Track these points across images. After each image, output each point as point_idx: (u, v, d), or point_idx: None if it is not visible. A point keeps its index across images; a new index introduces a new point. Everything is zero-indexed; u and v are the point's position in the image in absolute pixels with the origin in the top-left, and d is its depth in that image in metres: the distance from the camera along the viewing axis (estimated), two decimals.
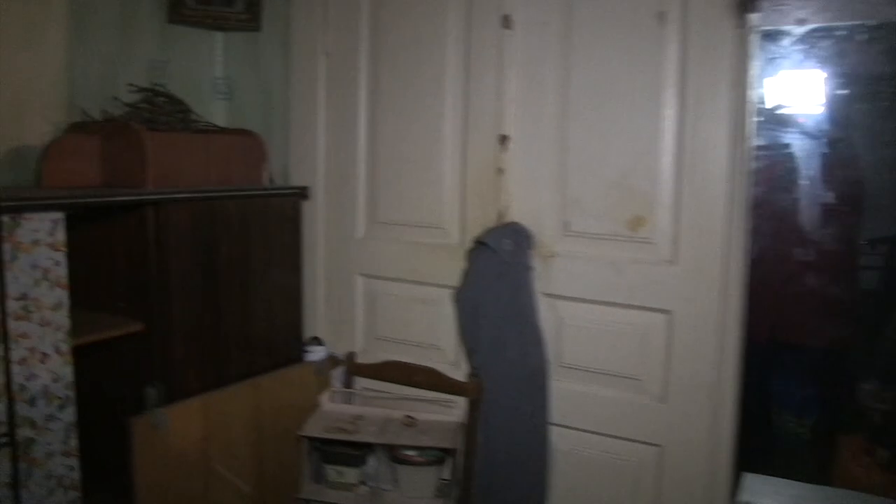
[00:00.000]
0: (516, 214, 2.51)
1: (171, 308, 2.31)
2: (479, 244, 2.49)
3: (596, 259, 2.42)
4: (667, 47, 2.27)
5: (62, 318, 2.05)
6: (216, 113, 2.95)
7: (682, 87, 2.25)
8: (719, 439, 2.30)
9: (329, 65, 2.81)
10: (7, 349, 1.95)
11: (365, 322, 2.85)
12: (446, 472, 2.56)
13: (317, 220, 2.87)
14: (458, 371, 2.63)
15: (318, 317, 2.90)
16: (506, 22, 2.47)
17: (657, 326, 2.36)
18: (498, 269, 2.46)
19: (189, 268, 2.35)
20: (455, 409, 2.60)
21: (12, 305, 1.95)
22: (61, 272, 2.05)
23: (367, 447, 2.52)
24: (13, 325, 1.96)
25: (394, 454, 2.52)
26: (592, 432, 2.48)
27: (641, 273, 2.36)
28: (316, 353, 2.78)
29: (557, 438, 2.50)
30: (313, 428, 2.51)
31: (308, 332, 2.87)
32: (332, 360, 2.78)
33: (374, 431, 2.51)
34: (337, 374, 2.77)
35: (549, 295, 2.49)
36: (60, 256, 2.04)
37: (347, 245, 2.84)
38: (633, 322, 2.40)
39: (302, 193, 2.77)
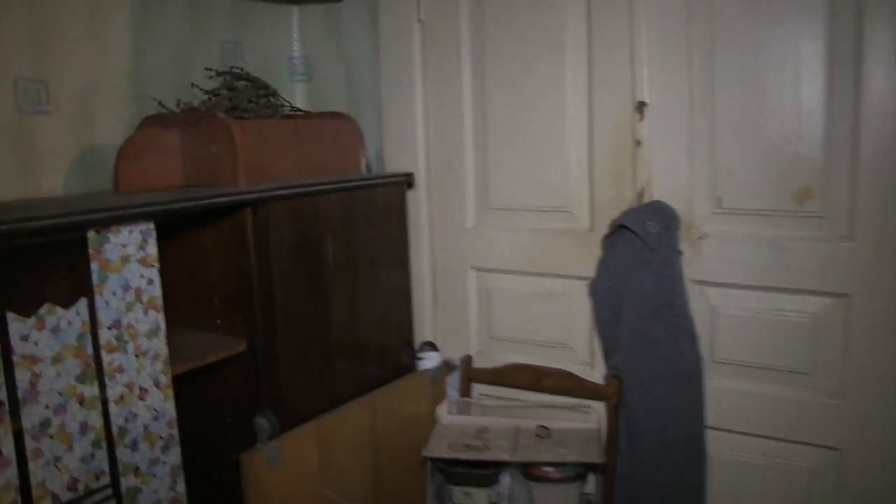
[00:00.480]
0: (658, 192, 2.12)
1: (276, 321, 1.93)
2: (619, 228, 2.12)
3: (754, 238, 2.03)
4: None
5: (160, 345, 1.70)
6: (294, 96, 2.56)
7: (857, 32, 1.86)
8: None
9: (424, 34, 2.41)
10: (103, 387, 1.62)
11: (480, 322, 2.47)
12: (588, 488, 2.23)
13: (420, 210, 2.48)
14: (593, 372, 2.27)
15: (426, 318, 2.52)
16: None
17: (831, 312, 1.97)
18: (641, 255, 2.08)
19: (293, 273, 1.98)
20: (591, 416, 2.25)
21: (105, 336, 1.60)
22: (155, 292, 1.69)
23: (498, 464, 2.19)
24: (107, 359, 1.61)
25: (528, 471, 2.17)
26: (755, 435, 2.10)
27: (810, 252, 1.97)
28: (430, 360, 2.40)
29: (713, 444, 2.12)
30: (437, 447, 2.16)
31: (419, 337, 2.51)
32: (447, 367, 2.44)
33: (505, 447, 2.15)
34: (451, 381, 2.43)
35: (700, 282, 2.10)
36: (153, 273, 1.68)
37: (456, 236, 2.46)
38: (801, 309, 2.01)
39: (407, 181, 2.38)
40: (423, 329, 2.51)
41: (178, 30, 2.25)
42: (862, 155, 1.88)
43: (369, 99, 2.50)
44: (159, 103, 2.06)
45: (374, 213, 2.24)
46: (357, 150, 2.31)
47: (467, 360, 2.39)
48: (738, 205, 2.04)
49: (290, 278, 1.96)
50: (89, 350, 1.58)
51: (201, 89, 2.13)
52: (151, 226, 1.67)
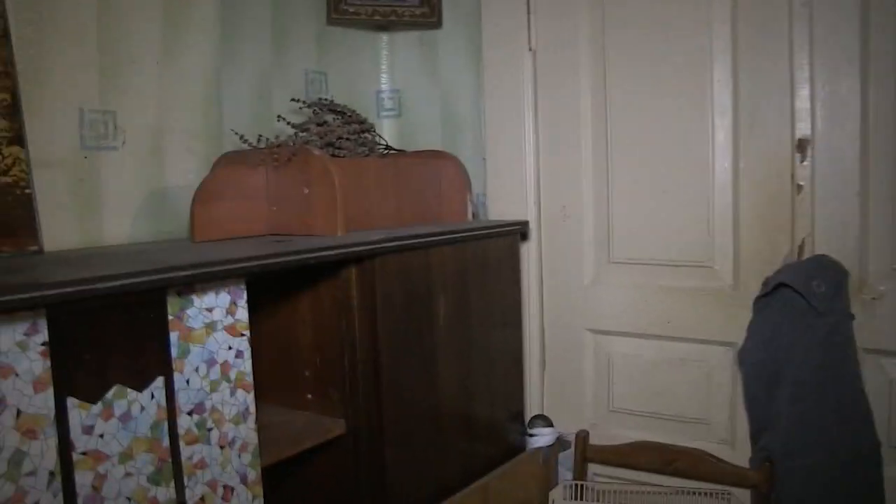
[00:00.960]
0: (822, 245, 1.74)
1: (382, 396, 1.54)
2: (776, 286, 1.76)
3: None
4: None
5: (249, 432, 1.35)
6: (382, 133, 2.18)
7: None
8: None
9: (537, 65, 2.06)
10: (181, 488, 1.27)
11: (597, 392, 2.07)
12: None
13: (530, 264, 2.11)
14: (734, 453, 1.87)
15: (534, 387, 2.14)
16: None
17: None
18: (805, 319, 1.69)
19: (401, 339, 1.60)
20: None
21: (184, 423, 1.27)
22: (245, 367, 1.33)
23: None
24: (186, 452, 1.27)
25: None
26: None
27: None
28: (543, 437, 2.03)
29: None
30: None
31: (528, 409, 2.12)
32: (560, 444, 2.06)
33: None
34: (564, 460, 2.05)
35: (875, 350, 1.70)
36: (243, 344, 1.32)
37: (571, 293, 2.08)
38: None
39: (521, 230, 2.01)
40: (532, 400, 2.13)
41: (259, 58, 1.92)
42: None
43: (469, 137, 2.14)
44: (241, 138, 1.73)
45: (488, 268, 1.86)
46: (463, 195, 1.95)
47: (583, 437, 2.01)
48: None
49: (397, 345, 1.58)
50: (165, 442, 1.23)
51: (288, 122, 1.80)
52: (243, 286, 1.33)
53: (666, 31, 1.89)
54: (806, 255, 1.75)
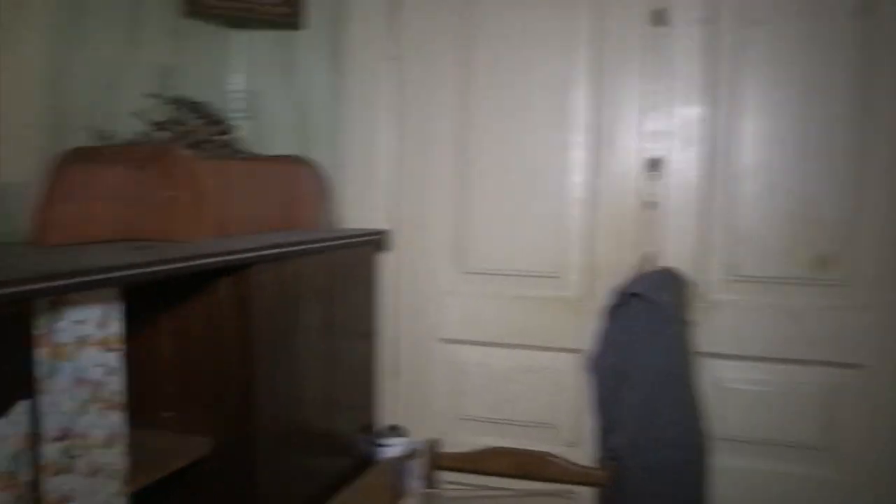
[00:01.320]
0: (669, 258, 1.86)
1: (254, 413, 1.44)
2: (626, 295, 1.85)
3: (770, 308, 1.83)
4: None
5: (118, 457, 1.22)
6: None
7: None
8: None
9: (400, 74, 2.03)
10: None
11: (448, 400, 2.07)
12: None
13: (388, 273, 2.06)
14: (579, 453, 1.93)
15: (389, 398, 2.09)
16: (657, 18, 1.83)
17: (847, 384, 1.81)
18: (653, 326, 1.80)
19: (273, 352, 1.51)
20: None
21: (50, 452, 1.11)
22: (116, 385, 1.21)
23: None
24: (51, 485, 1.12)
25: None
26: None
27: (828, 322, 1.80)
28: (394, 447, 1.99)
29: None
30: None
31: (383, 420, 2.08)
32: (412, 453, 2.03)
33: None
34: (413, 469, 2.03)
35: (711, 354, 1.86)
36: (116, 359, 1.20)
37: (426, 303, 2.07)
38: (816, 380, 1.83)
39: (380, 239, 1.97)
40: (387, 411, 2.08)
41: (109, 48, 1.73)
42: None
43: (327, 143, 2.06)
44: (98, 132, 1.54)
45: (348, 277, 1.81)
46: (320, 202, 1.88)
47: (433, 445, 2.00)
48: (754, 272, 1.83)
49: (269, 358, 1.49)
50: (26, 475, 1.08)
51: (148, 120, 1.64)
52: (117, 296, 1.19)
53: (531, 49, 1.94)
54: (654, 268, 1.87)
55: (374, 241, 1.94)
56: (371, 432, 1.99)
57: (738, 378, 1.87)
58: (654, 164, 1.86)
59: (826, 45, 1.74)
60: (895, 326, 1.76)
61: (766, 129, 1.80)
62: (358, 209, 2.06)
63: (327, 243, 1.68)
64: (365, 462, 1.94)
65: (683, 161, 1.84)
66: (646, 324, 1.82)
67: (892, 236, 1.74)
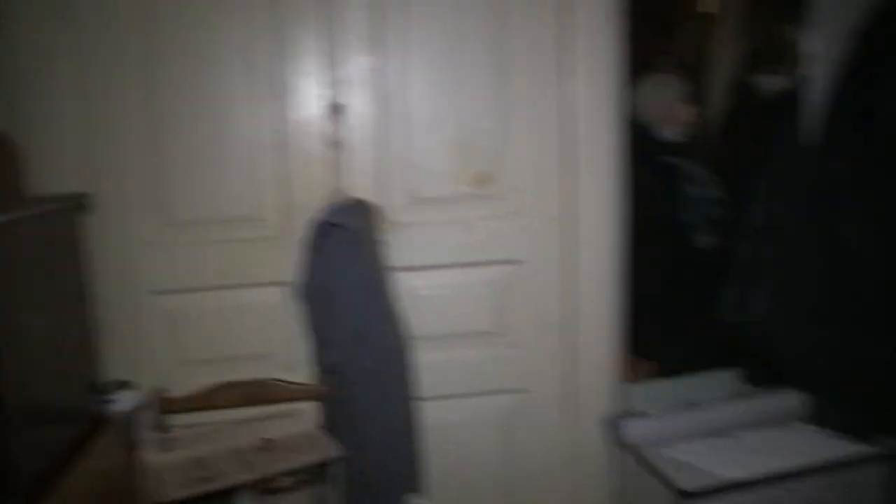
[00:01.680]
0: (358, 189, 2.10)
1: None
2: (324, 225, 2.04)
3: (445, 222, 2.17)
4: None
5: None
6: None
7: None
8: (578, 370, 2.29)
9: (77, 29, 1.96)
10: None
11: (169, 348, 2.14)
12: (321, 487, 2.11)
13: (88, 234, 2.00)
14: (298, 375, 2.14)
15: (108, 356, 2.06)
16: None
17: (511, 277, 2.23)
18: (350, 249, 2.04)
19: None
20: (305, 417, 2.13)
21: None
22: None
23: (231, 493, 1.95)
24: None
25: (263, 486, 1.99)
26: (460, 395, 2.27)
27: (491, 228, 2.19)
28: (122, 401, 2.00)
29: (428, 413, 2.18)
30: (163, 491, 1.85)
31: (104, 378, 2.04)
32: (141, 404, 2.06)
33: (235, 469, 1.93)
34: (144, 419, 2.07)
35: (401, 268, 2.15)
36: None
37: (134, 258, 2.08)
38: (488, 278, 2.22)
39: (79, 203, 1.91)
40: (109, 367, 2.06)
41: None
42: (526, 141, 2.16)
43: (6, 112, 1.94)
44: None
45: (52, 244, 1.77)
46: (11, 171, 1.80)
47: (160, 392, 2.06)
48: (429, 194, 2.15)
49: None
50: None
51: None
52: None
53: (215, 10, 2.02)
54: (345, 199, 2.09)
55: (74, 205, 1.91)
56: (97, 391, 2.00)
57: (426, 285, 2.20)
58: (336, 109, 2.08)
59: (473, 3, 2.09)
60: (541, 227, 2.20)
61: (431, 74, 2.11)
62: (51, 175, 1.99)
63: (24, 213, 1.65)
64: (96, 422, 1.95)
65: (361, 105, 2.08)
66: (343, 248, 2.05)
67: (531, 157, 2.16)
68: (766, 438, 2.37)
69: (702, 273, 2.73)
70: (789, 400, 2.45)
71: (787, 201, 2.31)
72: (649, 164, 2.85)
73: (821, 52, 2.25)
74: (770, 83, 2.84)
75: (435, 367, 2.20)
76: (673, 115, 2.90)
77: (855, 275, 2.17)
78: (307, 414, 2.13)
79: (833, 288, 2.20)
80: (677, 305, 2.75)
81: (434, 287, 2.20)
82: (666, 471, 2.14)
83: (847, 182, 2.15)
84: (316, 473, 2.06)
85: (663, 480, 2.13)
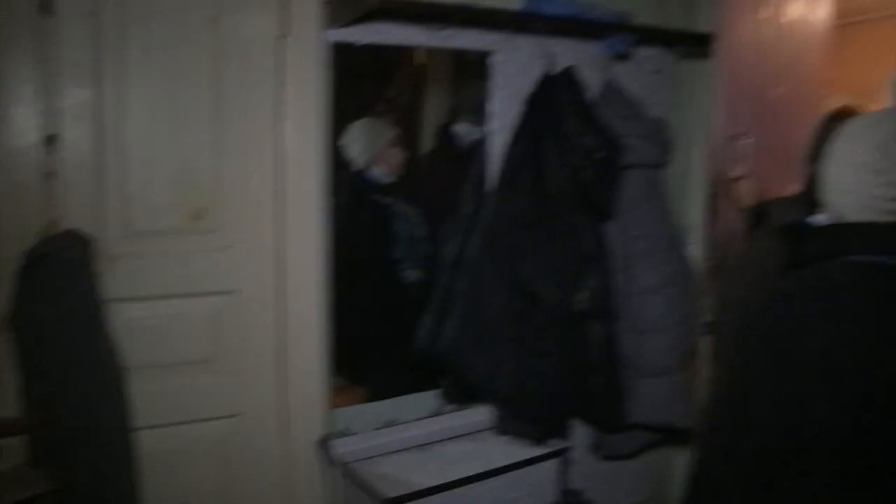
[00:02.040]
0: (73, 221, 2.10)
1: None
2: (36, 256, 2.01)
3: (161, 255, 2.24)
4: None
5: None
6: None
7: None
8: (292, 394, 2.45)
9: None
10: None
11: None
12: None
13: None
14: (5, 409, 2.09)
15: None
16: (44, 8, 2.03)
17: (226, 307, 2.34)
18: (62, 279, 2.03)
19: None
20: (11, 453, 2.08)
21: None
22: None
23: None
24: None
25: None
26: (177, 423, 2.31)
27: (207, 261, 2.30)
28: None
29: (145, 442, 2.18)
30: None
31: None
32: None
33: None
34: None
35: (118, 299, 2.17)
36: None
37: None
38: (204, 307, 2.32)
39: None
40: None
41: None
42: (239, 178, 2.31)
43: None
44: None
45: None
46: None
47: None
48: (145, 227, 2.22)
49: None
50: None
51: None
52: None
53: None
54: (60, 231, 2.10)
55: None
56: None
57: (142, 316, 2.24)
58: (50, 140, 2.09)
59: (187, 44, 2.21)
60: (254, 260, 2.35)
61: (149, 109, 2.19)
62: None
63: None
64: None
65: (78, 137, 2.11)
66: (55, 279, 2.04)
67: (242, 192, 2.32)
68: (460, 449, 2.71)
69: (408, 304, 3.03)
70: (479, 415, 2.81)
71: (475, 239, 2.67)
72: (364, 204, 3.13)
73: (499, 110, 2.67)
74: (466, 133, 3.22)
75: (151, 396, 2.23)
76: (384, 157, 3.20)
77: (529, 305, 2.56)
78: (14, 449, 2.08)
79: (511, 316, 2.57)
80: (385, 334, 3.03)
81: (150, 317, 2.25)
82: (370, 482, 2.37)
83: (520, 225, 2.54)
84: None
85: (368, 491, 2.35)
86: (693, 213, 3.20)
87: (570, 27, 2.66)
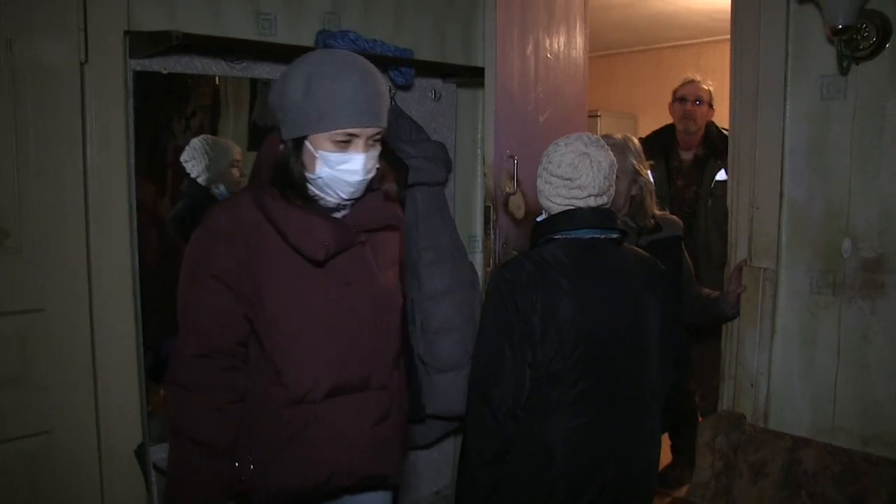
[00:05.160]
0: None
1: None
2: None
3: None
4: None
5: None
6: None
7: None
8: (105, 405, 2.53)
9: None
10: None
11: None
12: None
13: None
14: None
15: None
16: None
17: (33, 324, 2.40)
18: None
19: None
20: None
21: None
22: None
23: None
24: None
25: None
26: None
27: (11, 280, 2.35)
28: None
29: None
30: None
31: None
32: None
33: None
34: None
35: None
36: None
37: None
38: (8, 327, 2.35)
39: None
40: None
41: None
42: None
43: None
44: None
45: None
46: None
47: None
48: None
49: None
50: None
51: None
52: None
53: None
54: None
55: None
56: None
57: None
58: None
59: None
60: (58, 276, 2.42)
61: None
62: None
63: None
64: None
65: None
66: None
67: (47, 212, 2.38)
68: None
69: None
70: None
71: None
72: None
73: None
74: None
75: None
76: (226, 175, 3.16)
77: None
78: None
79: None
80: None
81: None
82: None
83: None
84: None
85: None
86: (476, 225, 3.59)
87: None
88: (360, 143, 1.84)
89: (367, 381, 1.97)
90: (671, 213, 3.02)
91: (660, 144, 3.89)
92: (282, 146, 1.88)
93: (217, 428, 1.86)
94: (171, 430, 1.88)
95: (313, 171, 1.85)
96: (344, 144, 1.82)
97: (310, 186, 1.87)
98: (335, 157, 1.82)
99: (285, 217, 1.84)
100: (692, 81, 3.87)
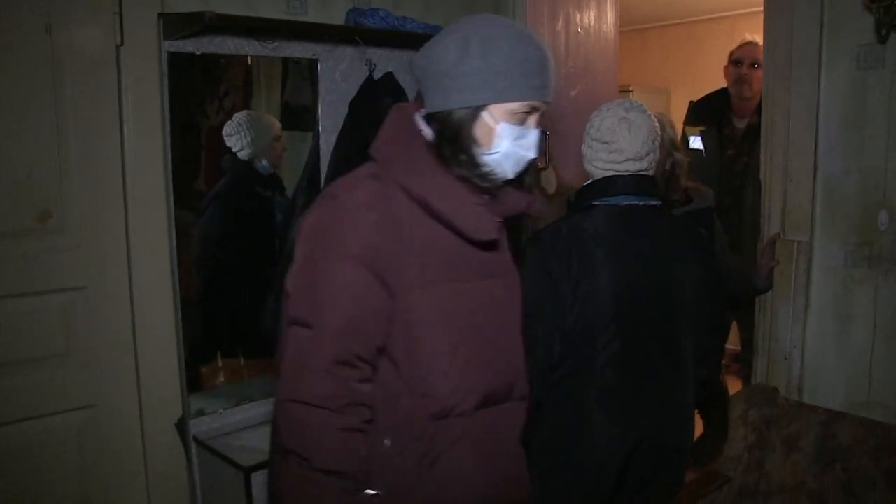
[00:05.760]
0: None
1: None
2: None
3: (9, 255, 2.32)
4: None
5: None
6: None
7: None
8: (147, 381, 2.60)
9: None
10: None
11: None
12: None
13: None
14: None
15: None
16: None
17: (76, 302, 2.46)
18: None
19: None
20: None
21: None
22: None
23: None
24: None
25: None
26: (32, 418, 2.40)
27: (56, 259, 2.41)
28: None
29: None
30: None
31: None
32: None
33: None
34: None
35: None
36: None
37: None
38: (53, 304, 2.42)
39: None
40: None
41: None
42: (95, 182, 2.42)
43: None
44: None
45: None
46: None
47: None
48: None
49: None
50: None
51: None
52: None
53: None
54: None
55: None
56: None
57: None
58: None
59: (24, 50, 2.30)
60: (99, 255, 2.48)
61: None
62: None
63: None
64: None
65: None
66: None
67: (87, 193, 2.44)
68: None
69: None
70: None
71: None
72: (248, 195, 3.20)
73: (325, 113, 2.93)
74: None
75: (3, 393, 2.33)
76: (268, 150, 3.12)
77: None
78: None
79: None
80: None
81: None
82: (230, 455, 2.56)
83: None
84: None
85: (231, 463, 2.54)
86: None
87: (389, 38, 2.96)
88: (535, 118, 1.65)
89: (511, 390, 1.71)
90: (721, 184, 2.94)
91: (712, 109, 3.58)
92: (437, 117, 1.62)
93: (357, 455, 1.54)
94: (292, 460, 1.51)
95: (489, 145, 1.61)
96: (524, 116, 1.62)
97: (481, 162, 1.62)
98: (518, 130, 1.62)
99: (448, 196, 1.59)
100: (750, 42, 3.51)
